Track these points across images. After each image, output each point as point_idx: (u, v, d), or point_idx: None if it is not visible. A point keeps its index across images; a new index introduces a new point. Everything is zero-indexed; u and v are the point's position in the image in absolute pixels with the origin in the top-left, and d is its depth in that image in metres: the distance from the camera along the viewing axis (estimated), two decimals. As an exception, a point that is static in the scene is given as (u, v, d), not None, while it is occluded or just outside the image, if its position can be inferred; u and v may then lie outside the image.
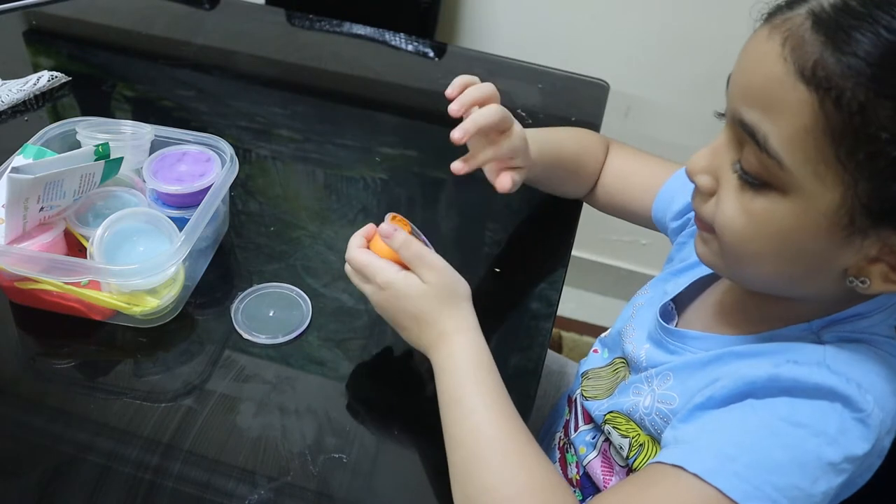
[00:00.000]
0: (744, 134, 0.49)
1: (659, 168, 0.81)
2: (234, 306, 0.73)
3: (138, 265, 0.65)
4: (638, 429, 0.64)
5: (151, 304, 0.68)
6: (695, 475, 0.49)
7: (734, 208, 0.52)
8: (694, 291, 0.69)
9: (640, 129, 1.53)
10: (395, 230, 0.62)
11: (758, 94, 0.48)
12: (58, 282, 0.66)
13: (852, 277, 0.50)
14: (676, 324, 0.68)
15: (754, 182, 0.50)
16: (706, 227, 0.56)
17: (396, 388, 0.69)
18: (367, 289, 0.64)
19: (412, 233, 0.66)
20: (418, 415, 0.67)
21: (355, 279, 0.65)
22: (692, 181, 0.56)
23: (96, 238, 0.67)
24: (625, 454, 0.66)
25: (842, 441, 0.49)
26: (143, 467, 0.60)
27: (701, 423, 0.53)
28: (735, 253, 0.53)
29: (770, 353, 0.54)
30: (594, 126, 1.06)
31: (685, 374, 0.61)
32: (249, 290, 0.75)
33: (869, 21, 0.44)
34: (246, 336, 0.71)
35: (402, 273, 0.62)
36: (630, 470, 0.67)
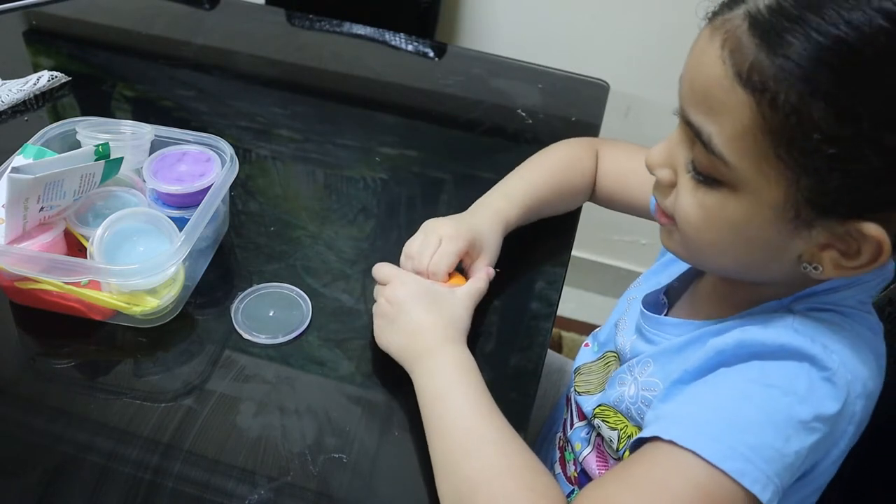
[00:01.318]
0: (691, 132, 0.51)
1: None
2: (234, 306, 0.73)
3: (138, 265, 0.65)
4: (626, 420, 0.65)
5: (151, 304, 0.68)
6: (670, 442, 0.50)
7: (690, 203, 0.54)
8: (686, 282, 0.70)
9: (640, 129, 1.53)
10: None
11: (701, 95, 0.50)
12: (58, 282, 0.66)
13: (805, 263, 0.52)
14: (666, 313, 0.69)
15: (706, 179, 0.52)
16: (668, 218, 0.58)
17: (396, 388, 0.69)
18: (393, 284, 0.68)
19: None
20: (418, 415, 0.66)
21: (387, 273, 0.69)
22: (652, 174, 0.58)
23: (96, 238, 0.67)
24: (615, 446, 0.66)
25: (811, 399, 0.50)
26: (143, 467, 0.60)
27: (676, 398, 0.55)
28: (695, 244, 0.56)
29: (741, 326, 0.56)
30: (594, 126, 1.06)
31: (664, 359, 0.62)
32: (249, 290, 0.75)
33: (800, 23, 0.45)
34: (246, 336, 0.71)
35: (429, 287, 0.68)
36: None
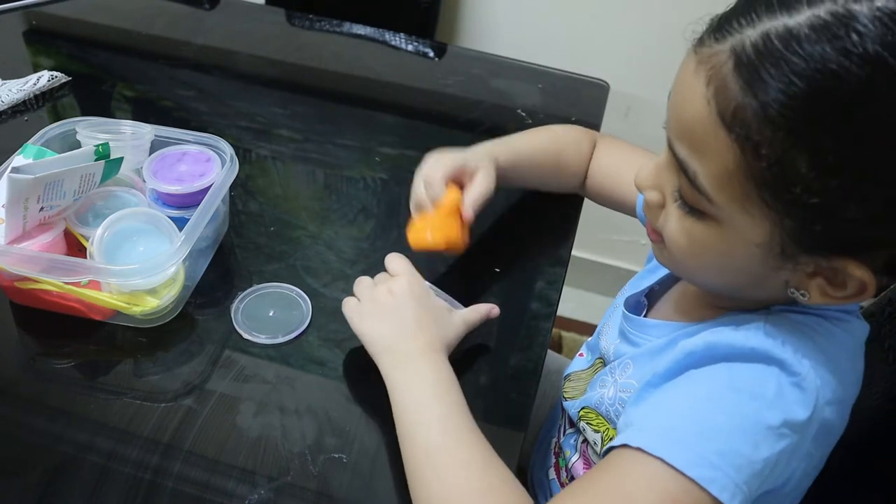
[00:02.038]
0: (678, 163, 0.51)
1: (646, 159, 0.81)
2: (233, 306, 0.73)
3: (138, 265, 0.65)
4: (607, 423, 0.65)
5: (151, 304, 0.68)
6: (639, 449, 0.49)
7: (677, 229, 0.54)
8: (668, 284, 0.71)
9: (640, 129, 1.53)
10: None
11: (686, 131, 0.50)
12: (58, 282, 0.66)
13: (793, 289, 0.52)
14: (645, 314, 0.69)
15: (692, 210, 0.52)
16: (658, 235, 0.57)
17: (396, 388, 0.69)
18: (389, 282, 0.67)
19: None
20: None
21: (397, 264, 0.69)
22: (641, 193, 0.58)
23: (96, 238, 0.67)
24: (598, 450, 0.66)
25: (780, 404, 0.49)
26: (143, 467, 0.60)
27: (645, 402, 0.54)
28: (683, 265, 0.57)
29: (712, 328, 0.55)
30: (594, 126, 1.06)
31: (643, 361, 0.62)
32: (249, 290, 0.75)
33: (783, 66, 0.43)
34: (246, 336, 0.71)
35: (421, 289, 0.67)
36: None
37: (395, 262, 0.69)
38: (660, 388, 0.55)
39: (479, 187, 0.75)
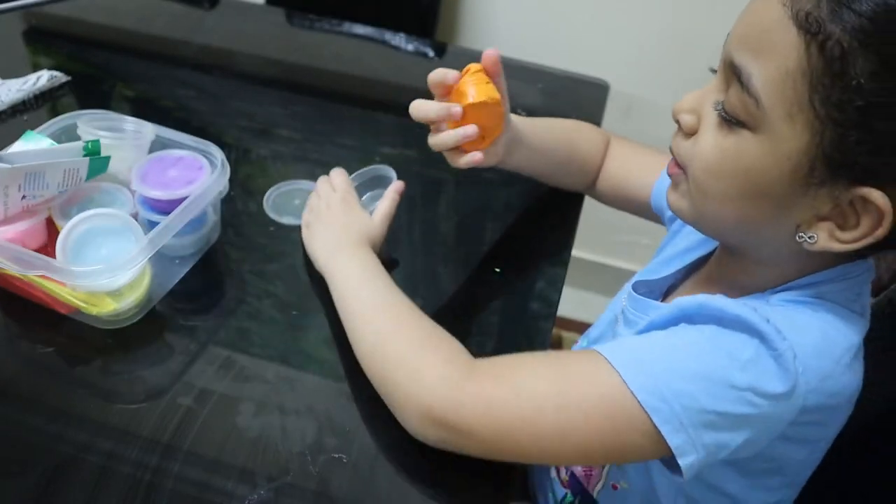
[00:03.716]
0: (732, 75, 0.52)
1: (660, 157, 0.82)
2: (266, 196, 0.86)
3: (91, 267, 0.64)
4: None
5: (110, 306, 0.67)
6: (607, 361, 0.53)
7: (710, 143, 0.55)
8: (681, 279, 0.71)
9: (640, 129, 1.52)
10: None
11: (752, 36, 0.51)
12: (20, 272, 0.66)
13: (801, 233, 0.53)
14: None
15: (731, 120, 0.53)
16: (679, 168, 0.59)
17: (396, 388, 0.69)
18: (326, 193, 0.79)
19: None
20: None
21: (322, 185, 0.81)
22: (676, 120, 0.58)
23: (61, 235, 0.67)
24: None
25: (751, 369, 0.51)
26: (142, 467, 0.60)
27: (638, 336, 0.57)
28: (702, 189, 0.56)
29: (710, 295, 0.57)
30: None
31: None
32: (277, 185, 0.88)
33: None
34: (275, 218, 0.84)
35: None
36: None
37: (336, 178, 0.81)
38: (650, 330, 0.58)
39: (389, 204, 0.79)
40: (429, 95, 0.77)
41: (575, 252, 0.88)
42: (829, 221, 0.52)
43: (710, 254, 0.69)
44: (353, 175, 0.84)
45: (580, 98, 1.12)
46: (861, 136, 0.47)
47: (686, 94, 0.58)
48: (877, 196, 0.48)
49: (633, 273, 0.77)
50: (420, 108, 0.68)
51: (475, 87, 0.67)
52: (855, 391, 0.55)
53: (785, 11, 0.49)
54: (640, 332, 0.58)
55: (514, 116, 0.78)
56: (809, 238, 0.52)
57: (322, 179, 0.82)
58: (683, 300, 0.56)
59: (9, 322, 0.71)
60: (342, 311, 0.68)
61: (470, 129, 0.67)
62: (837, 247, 0.51)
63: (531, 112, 1.04)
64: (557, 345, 1.72)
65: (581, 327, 1.73)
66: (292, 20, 1.23)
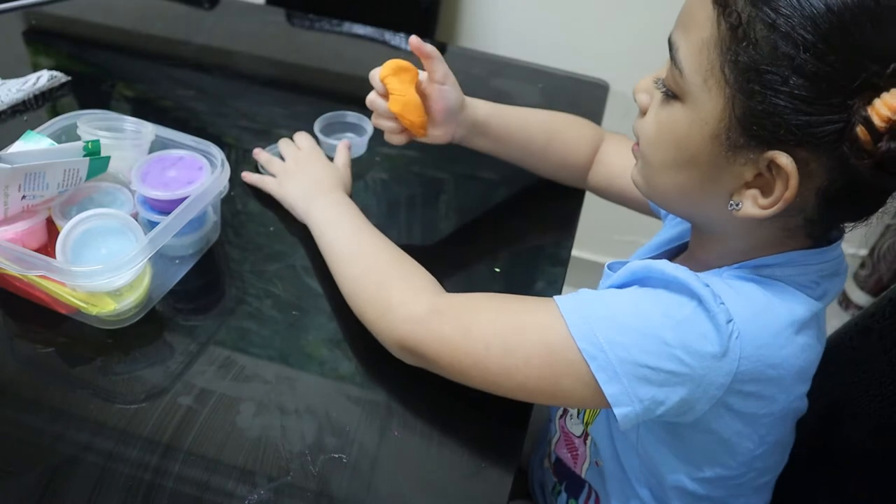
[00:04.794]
0: (670, 53, 0.56)
1: None
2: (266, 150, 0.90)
3: (90, 267, 0.64)
4: None
5: (110, 305, 0.67)
6: (557, 308, 0.57)
7: (651, 117, 0.59)
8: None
9: (640, 129, 1.53)
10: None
11: (684, 14, 0.55)
12: (20, 272, 0.66)
13: (731, 202, 0.55)
14: None
15: (668, 93, 0.56)
16: (637, 145, 0.62)
17: (396, 387, 0.69)
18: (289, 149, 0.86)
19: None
20: (418, 415, 0.67)
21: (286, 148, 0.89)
22: (635, 100, 0.63)
23: (61, 235, 0.67)
24: (580, 416, 0.71)
25: (683, 328, 0.53)
26: (142, 467, 0.60)
27: (590, 290, 0.61)
28: (646, 160, 0.60)
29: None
30: (594, 126, 1.06)
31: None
32: (271, 145, 0.92)
33: None
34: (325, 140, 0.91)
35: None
36: (587, 435, 0.72)
37: (301, 140, 0.90)
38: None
39: (343, 157, 0.88)
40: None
41: (575, 252, 0.88)
42: (754, 189, 0.54)
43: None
44: (319, 119, 0.94)
45: (580, 98, 1.12)
46: (763, 99, 0.49)
47: (644, 76, 0.62)
48: (784, 160, 0.50)
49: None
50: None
51: (390, 95, 0.76)
52: (802, 368, 0.56)
53: None
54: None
55: (483, 103, 0.83)
56: (736, 206, 0.54)
57: (284, 141, 0.90)
58: (634, 264, 0.59)
59: (9, 322, 0.71)
60: (325, 254, 0.75)
61: (386, 125, 0.80)
62: (759, 213, 0.53)
63: (531, 112, 1.04)
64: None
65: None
66: (292, 20, 1.23)
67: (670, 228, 0.74)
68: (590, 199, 0.93)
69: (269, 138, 0.96)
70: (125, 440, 0.62)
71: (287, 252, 0.81)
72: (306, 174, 0.84)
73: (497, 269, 0.82)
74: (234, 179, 0.76)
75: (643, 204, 0.83)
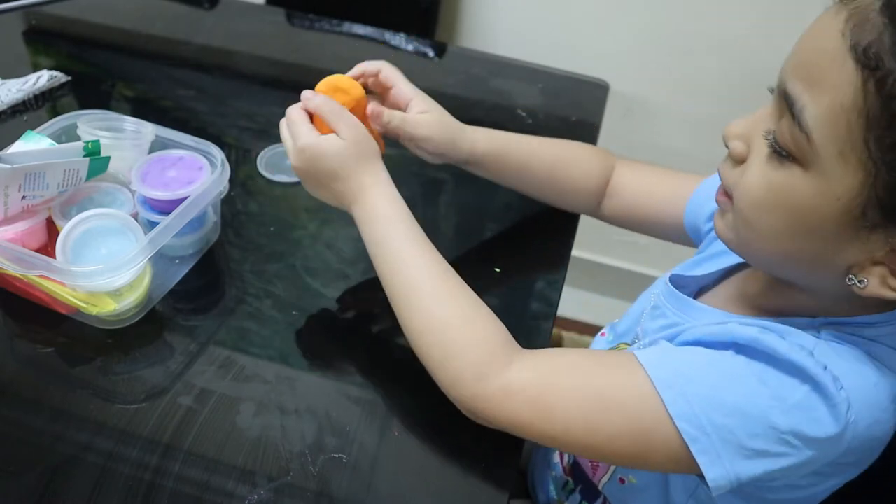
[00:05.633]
0: (785, 104, 0.49)
1: (680, 178, 0.80)
2: (260, 155, 0.90)
3: (90, 267, 0.64)
4: None
5: (110, 305, 0.67)
6: (649, 378, 0.53)
7: (757, 176, 0.52)
8: (718, 279, 0.69)
9: (639, 130, 1.53)
10: (315, 96, 0.70)
11: (807, 66, 0.48)
12: (20, 272, 0.66)
13: (852, 276, 0.50)
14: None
15: (782, 153, 0.50)
16: (726, 196, 0.56)
17: (396, 388, 0.69)
18: (289, 144, 0.69)
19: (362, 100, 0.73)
20: (418, 415, 0.67)
21: (285, 133, 0.71)
22: (727, 145, 0.55)
23: (61, 235, 0.67)
24: None
25: (796, 414, 0.50)
26: (142, 467, 0.60)
27: (682, 349, 0.56)
28: (748, 222, 0.53)
29: (764, 326, 0.55)
30: (594, 126, 1.06)
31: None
32: (272, 145, 0.92)
33: None
34: (268, 176, 0.89)
35: (320, 136, 0.67)
36: None
37: (291, 113, 0.72)
38: (696, 345, 0.55)
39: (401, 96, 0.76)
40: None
41: (575, 252, 0.88)
42: (882, 266, 0.49)
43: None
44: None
45: (580, 98, 1.12)
46: None
47: (736, 120, 0.55)
48: None
49: (633, 273, 0.77)
50: None
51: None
52: (890, 431, 0.54)
53: (843, 42, 0.45)
54: (684, 343, 0.57)
55: (484, 136, 0.77)
56: (860, 282, 0.49)
57: (283, 126, 0.72)
58: (736, 330, 0.53)
59: (9, 322, 0.71)
60: (374, 256, 0.66)
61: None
62: (889, 294, 0.49)
63: (531, 112, 1.04)
64: (557, 345, 1.72)
65: (581, 327, 1.74)
66: (292, 20, 1.23)
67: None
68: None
69: (269, 138, 0.96)
70: (125, 440, 0.62)
71: (287, 252, 0.81)
72: (322, 175, 0.68)
73: (497, 269, 0.82)
74: (234, 179, 0.76)
75: (667, 233, 0.80)
